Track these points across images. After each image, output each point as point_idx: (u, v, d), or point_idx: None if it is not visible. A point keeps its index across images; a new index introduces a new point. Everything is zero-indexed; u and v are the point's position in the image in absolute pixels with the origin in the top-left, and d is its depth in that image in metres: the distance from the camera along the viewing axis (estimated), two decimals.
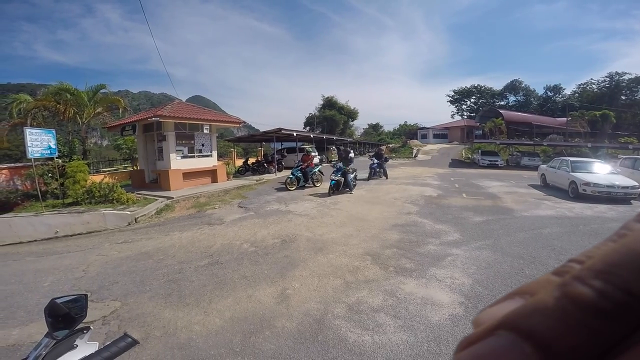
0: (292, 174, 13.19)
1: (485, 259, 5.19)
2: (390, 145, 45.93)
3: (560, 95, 63.50)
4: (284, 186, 13.08)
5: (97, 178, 13.39)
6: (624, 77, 52.64)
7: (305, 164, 13.66)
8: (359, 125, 65.68)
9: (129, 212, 8.90)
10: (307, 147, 22.17)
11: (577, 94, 57.85)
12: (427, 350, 2.92)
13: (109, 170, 19.99)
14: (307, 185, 13.42)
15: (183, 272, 5.00)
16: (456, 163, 28.55)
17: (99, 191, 10.16)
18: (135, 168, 17.95)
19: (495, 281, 4.34)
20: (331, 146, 29.47)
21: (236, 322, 3.49)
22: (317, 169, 14.03)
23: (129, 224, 8.59)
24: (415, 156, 35.13)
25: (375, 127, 68.00)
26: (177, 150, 13.42)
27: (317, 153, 24.16)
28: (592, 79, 63.58)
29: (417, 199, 10.62)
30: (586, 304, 0.18)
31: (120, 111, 18.44)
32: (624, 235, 0.22)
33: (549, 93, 65.92)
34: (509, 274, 4.58)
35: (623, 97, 51.95)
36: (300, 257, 5.42)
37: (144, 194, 11.59)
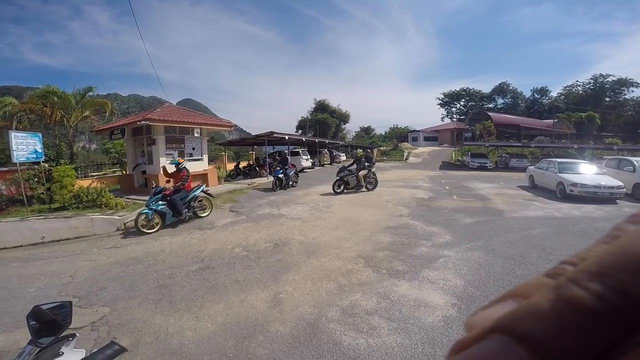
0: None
1: (476, 260, 5.23)
2: (382, 149, 46.20)
3: (547, 98, 64.65)
4: (272, 188, 13.64)
5: (85, 183, 13.15)
6: (607, 79, 54.00)
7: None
8: (351, 128, 65.91)
9: (117, 217, 8.74)
10: (293, 150, 22.63)
11: (563, 96, 59.05)
12: (421, 352, 2.92)
13: (97, 175, 19.63)
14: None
15: (174, 277, 4.92)
16: (446, 165, 28.86)
17: (86, 196, 9.97)
18: (124, 172, 17.67)
19: (487, 282, 4.38)
20: (323, 149, 29.50)
21: (229, 327, 3.44)
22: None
23: (118, 229, 8.43)
24: (407, 159, 35.43)
25: (366, 130, 68.26)
26: (167, 154, 13.24)
27: (309, 156, 24.21)
28: (577, 81, 65.11)
29: (408, 201, 10.68)
30: (582, 306, 0.18)
31: (108, 114, 18.21)
32: (617, 236, 0.22)
33: (536, 95, 67.09)
34: (500, 274, 4.63)
35: (607, 99, 53.25)
36: (293, 261, 5.38)
37: (133, 199, 11.41)
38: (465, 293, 4.07)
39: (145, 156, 13.88)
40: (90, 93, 17.74)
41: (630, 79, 52.17)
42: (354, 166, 13.25)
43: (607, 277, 0.18)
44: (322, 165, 27.33)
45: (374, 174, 15.46)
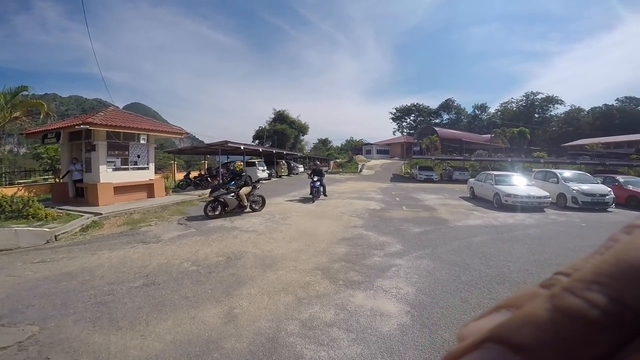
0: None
1: (425, 267, 5.49)
2: (338, 161, 47.12)
3: (486, 114, 70.64)
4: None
5: (9, 191, 11.71)
6: (537, 97, 60.50)
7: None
8: (309, 139, 66.47)
9: (47, 229, 7.87)
10: (249, 161, 22.05)
11: (499, 112, 64.97)
12: None
13: (25, 182, 17.57)
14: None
15: (114, 293, 4.51)
16: (397, 177, 30.16)
17: (10, 205, 8.89)
18: (57, 180, 16.01)
19: (436, 289, 4.59)
20: (281, 160, 29.34)
21: (179, 345, 3.22)
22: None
23: (48, 242, 7.56)
24: (361, 171, 36.48)
25: (324, 142, 69.30)
26: (108, 162, 12.25)
27: (265, 167, 23.96)
28: (512, 98, 72.48)
29: (362, 212, 10.95)
30: (578, 315, 0.18)
31: (42, 116, 16.52)
32: (611, 246, 0.22)
33: (477, 111, 73.12)
34: (447, 280, 4.89)
35: (536, 115, 59.53)
36: (247, 275, 5.21)
37: (67, 210, 10.35)
38: (417, 300, 4.23)
39: (80, 163, 12.68)
40: (25, 92, 15.97)
41: (556, 96, 59.02)
42: (233, 183, 10.58)
43: (604, 285, 0.18)
44: (280, 177, 27.20)
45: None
